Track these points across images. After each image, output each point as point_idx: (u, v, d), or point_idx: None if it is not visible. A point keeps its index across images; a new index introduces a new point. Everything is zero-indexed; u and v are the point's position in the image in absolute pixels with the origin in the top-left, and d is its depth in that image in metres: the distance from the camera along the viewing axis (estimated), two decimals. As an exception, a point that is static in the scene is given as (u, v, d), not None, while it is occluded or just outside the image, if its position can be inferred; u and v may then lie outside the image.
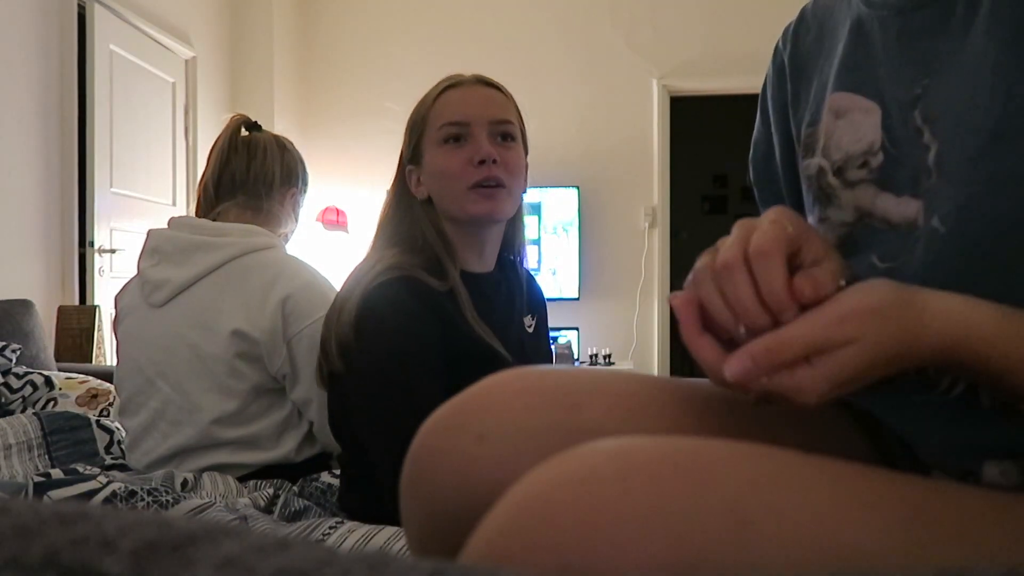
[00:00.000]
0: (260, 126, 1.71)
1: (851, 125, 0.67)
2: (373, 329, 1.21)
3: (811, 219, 0.71)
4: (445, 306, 1.24)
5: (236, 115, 1.68)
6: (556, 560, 0.42)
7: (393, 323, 1.20)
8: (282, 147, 1.68)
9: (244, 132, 1.66)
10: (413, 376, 1.18)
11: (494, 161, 1.27)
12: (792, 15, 0.82)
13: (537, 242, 4.72)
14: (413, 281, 1.23)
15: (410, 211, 1.34)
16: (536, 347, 1.46)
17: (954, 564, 0.43)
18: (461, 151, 1.29)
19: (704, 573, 0.41)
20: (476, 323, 1.26)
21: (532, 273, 1.56)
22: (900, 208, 0.64)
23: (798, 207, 0.76)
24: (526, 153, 1.39)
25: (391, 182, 1.39)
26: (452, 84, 1.34)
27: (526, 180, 1.39)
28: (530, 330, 1.46)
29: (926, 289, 0.54)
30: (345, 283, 1.30)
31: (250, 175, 1.62)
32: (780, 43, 0.81)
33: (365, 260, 1.32)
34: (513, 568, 0.42)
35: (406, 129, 1.38)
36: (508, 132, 1.32)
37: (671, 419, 0.64)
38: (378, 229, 1.38)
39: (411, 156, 1.35)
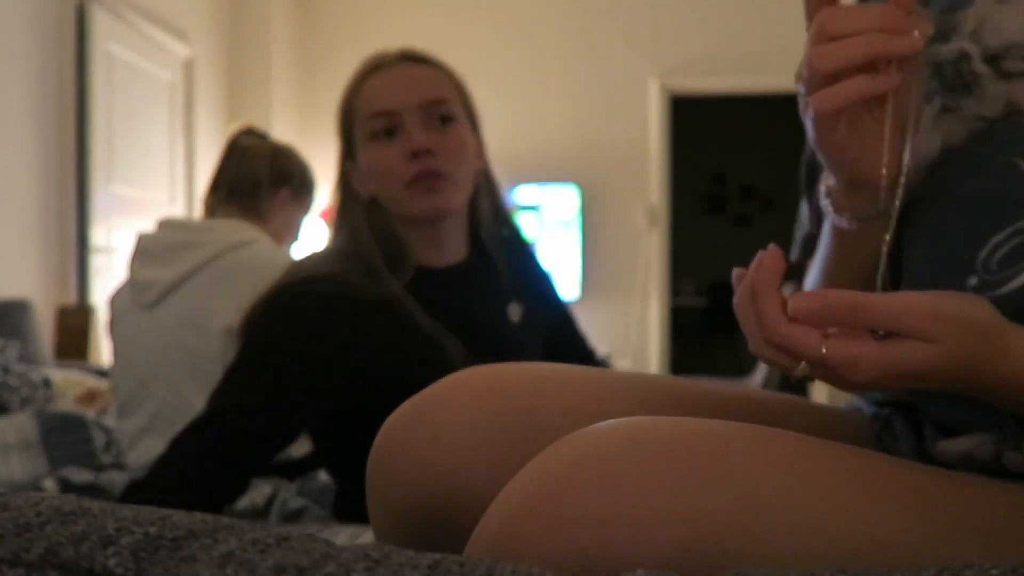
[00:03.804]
0: (259, 135, 1.77)
1: (1021, 10, 0.61)
2: (261, 333, 1.12)
3: (927, 108, 0.66)
4: (375, 317, 1.12)
5: (238, 125, 1.75)
6: (570, 543, 0.42)
7: (279, 336, 1.11)
8: (275, 151, 1.74)
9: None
10: (273, 384, 1.09)
11: (429, 151, 1.14)
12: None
13: (536, 241, 4.72)
14: (326, 296, 1.11)
15: (350, 211, 1.23)
16: (521, 342, 1.27)
17: (967, 558, 0.43)
18: (394, 144, 1.16)
19: (717, 560, 0.41)
20: (428, 327, 1.14)
21: (528, 251, 1.38)
22: None
23: None
24: (476, 128, 1.25)
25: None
26: (375, 67, 1.20)
27: (484, 158, 1.27)
28: (515, 320, 1.28)
29: (1017, 325, 0.52)
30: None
31: (239, 176, 1.66)
32: None
33: (300, 261, 1.22)
34: (521, 557, 0.42)
35: (336, 122, 1.26)
36: (445, 113, 1.18)
37: None
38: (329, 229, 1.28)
39: (346, 152, 1.24)
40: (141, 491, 1.06)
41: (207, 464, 1.07)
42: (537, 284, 1.36)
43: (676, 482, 0.43)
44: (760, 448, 0.47)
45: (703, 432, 0.47)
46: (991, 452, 0.58)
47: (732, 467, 0.45)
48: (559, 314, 1.40)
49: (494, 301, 1.27)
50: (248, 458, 1.10)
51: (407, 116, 1.15)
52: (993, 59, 0.62)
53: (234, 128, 1.73)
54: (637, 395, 0.64)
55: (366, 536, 1.12)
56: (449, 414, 0.60)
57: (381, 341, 1.13)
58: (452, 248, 1.24)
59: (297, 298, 1.11)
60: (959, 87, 0.63)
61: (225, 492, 1.10)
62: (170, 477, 1.06)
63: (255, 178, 1.67)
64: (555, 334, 1.37)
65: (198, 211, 1.78)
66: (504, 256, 1.30)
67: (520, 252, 1.35)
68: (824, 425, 0.70)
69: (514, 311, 1.29)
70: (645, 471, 0.43)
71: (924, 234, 0.63)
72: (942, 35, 0.65)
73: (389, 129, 1.16)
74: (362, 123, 1.19)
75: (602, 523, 0.42)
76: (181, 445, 1.08)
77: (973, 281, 0.58)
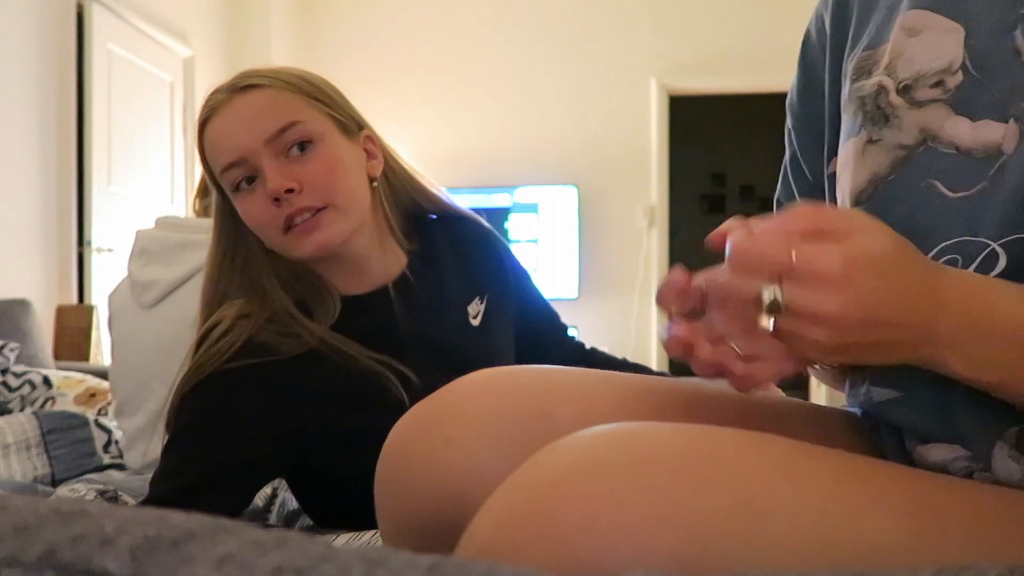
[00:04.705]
0: None
1: (927, 43, 0.64)
2: (187, 418, 1.05)
3: (850, 143, 0.68)
4: (298, 375, 1.04)
5: None
6: (562, 552, 0.41)
7: (204, 420, 1.04)
8: None
9: None
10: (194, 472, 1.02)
11: (290, 191, 1.02)
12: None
13: (535, 241, 4.73)
14: (244, 370, 1.02)
15: (244, 260, 1.11)
16: (486, 345, 1.18)
17: (959, 559, 0.43)
18: (257, 192, 1.04)
19: (713, 567, 0.41)
20: (364, 364, 1.06)
21: (480, 237, 1.25)
22: (977, 133, 0.60)
23: (836, 147, 0.74)
24: (355, 128, 1.14)
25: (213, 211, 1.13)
26: (208, 112, 1.08)
27: (382, 155, 1.16)
28: (476, 322, 1.18)
29: (941, 264, 0.53)
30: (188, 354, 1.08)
31: None
32: None
33: (210, 323, 1.08)
34: (512, 565, 0.42)
35: (205, 174, 1.13)
36: (298, 138, 1.05)
37: None
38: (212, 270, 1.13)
39: (230, 204, 1.10)
40: None
41: None
42: (492, 270, 1.24)
43: (671, 488, 0.43)
44: (755, 454, 0.47)
45: (698, 438, 0.47)
46: (964, 469, 0.59)
47: (727, 473, 0.45)
48: (529, 300, 1.31)
49: (447, 306, 1.17)
50: None
51: (257, 159, 1.03)
52: (906, 90, 0.65)
53: None
54: (651, 400, 0.64)
55: (364, 538, 1.12)
56: (462, 416, 0.60)
57: (309, 398, 1.05)
58: (378, 267, 1.13)
59: (214, 380, 1.02)
60: (880, 119, 0.66)
61: None
62: None
63: None
64: (527, 320, 1.30)
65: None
66: (451, 251, 1.21)
67: (472, 240, 1.24)
68: (824, 426, 0.71)
69: (474, 309, 1.19)
70: (640, 480, 0.43)
71: None
72: (866, 72, 0.68)
73: (249, 177, 1.04)
74: (221, 178, 1.07)
75: (596, 530, 0.41)
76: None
77: None
